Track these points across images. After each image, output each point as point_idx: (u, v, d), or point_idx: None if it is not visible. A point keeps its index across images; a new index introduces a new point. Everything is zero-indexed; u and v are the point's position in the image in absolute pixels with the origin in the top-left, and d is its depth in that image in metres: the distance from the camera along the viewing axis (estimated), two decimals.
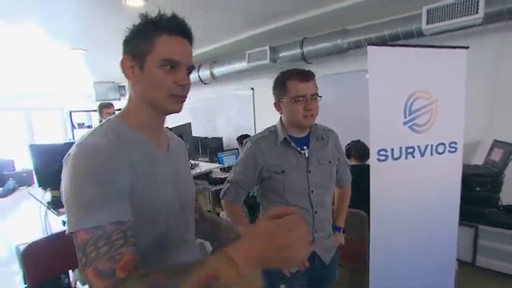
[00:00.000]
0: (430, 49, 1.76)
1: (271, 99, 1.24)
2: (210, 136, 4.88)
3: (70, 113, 5.50)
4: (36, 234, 2.00)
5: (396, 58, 1.69)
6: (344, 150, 1.75)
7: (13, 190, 6.26)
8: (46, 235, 1.88)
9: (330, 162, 1.24)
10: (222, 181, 2.78)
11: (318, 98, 1.15)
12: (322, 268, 1.26)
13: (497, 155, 2.43)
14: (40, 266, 1.62)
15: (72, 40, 3.39)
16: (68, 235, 0.57)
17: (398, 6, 2.55)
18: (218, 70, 4.29)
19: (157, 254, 0.69)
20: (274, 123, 1.25)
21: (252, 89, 4.41)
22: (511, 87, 2.41)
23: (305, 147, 1.19)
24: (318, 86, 1.18)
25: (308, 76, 1.14)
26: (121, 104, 6.43)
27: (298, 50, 3.25)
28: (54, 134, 8.07)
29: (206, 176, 3.04)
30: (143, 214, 0.64)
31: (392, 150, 1.73)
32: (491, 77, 2.51)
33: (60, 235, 1.87)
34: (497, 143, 2.48)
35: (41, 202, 2.07)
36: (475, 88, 2.56)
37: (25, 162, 7.26)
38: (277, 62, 3.51)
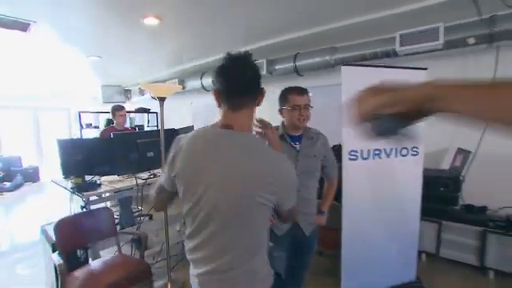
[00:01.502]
0: (394, 69, 2.15)
1: (267, 106, 1.61)
2: None
3: (79, 113, 5.84)
4: (51, 218, 2.33)
5: (365, 76, 2.07)
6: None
7: (20, 185, 6.56)
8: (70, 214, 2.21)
9: (315, 156, 1.62)
10: None
11: (310, 108, 1.58)
12: (302, 238, 1.62)
13: (458, 161, 2.81)
14: (65, 238, 1.96)
15: (89, 48, 3.76)
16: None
17: (378, 29, 2.94)
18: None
19: None
20: None
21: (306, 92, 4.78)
22: None
23: (297, 143, 1.61)
24: (309, 96, 1.60)
25: (303, 91, 1.59)
26: (127, 106, 6.79)
27: (292, 64, 3.64)
28: (60, 133, 8.42)
29: None
30: None
31: (361, 151, 2.10)
32: None
33: (81, 215, 2.23)
34: (459, 151, 2.85)
35: (65, 188, 2.42)
36: None
37: (31, 159, 7.61)
38: (273, 73, 3.90)
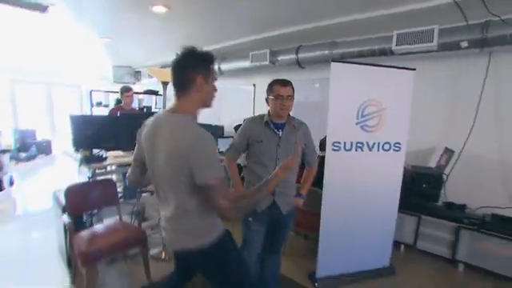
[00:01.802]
0: (382, 68, 2.27)
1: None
2: (213, 123, 5.42)
3: (91, 92, 6.08)
4: (61, 186, 2.58)
5: (353, 73, 2.21)
6: (318, 141, 2.26)
7: (34, 157, 6.94)
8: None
9: (295, 143, 1.78)
10: None
11: (292, 99, 1.73)
12: (279, 216, 1.81)
13: (444, 160, 2.94)
14: (73, 202, 2.20)
15: (101, 30, 3.94)
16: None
17: (378, 27, 3.02)
18: (226, 66, 4.81)
19: None
20: None
21: (254, 85, 4.93)
22: (463, 103, 2.89)
23: (280, 130, 1.76)
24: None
25: (287, 83, 1.73)
26: (136, 88, 7.01)
27: (294, 56, 3.76)
28: (71, 109, 8.75)
29: None
30: None
31: (345, 143, 2.25)
32: (448, 93, 2.99)
33: (87, 183, 2.48)
34: (446, 150, 2.98)
35: (75, 159, 2.67)
36: (435, 103, 3.07)
37: (45, 133, 7.97)
38: (275, 64, 4.02)
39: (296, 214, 1.97)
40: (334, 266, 2.41)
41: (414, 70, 2.30)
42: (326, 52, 3.44)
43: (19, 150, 6.71)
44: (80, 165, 2.59)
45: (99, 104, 6.37)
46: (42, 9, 2.71)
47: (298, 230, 3.08)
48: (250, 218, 1.77)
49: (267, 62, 3.96)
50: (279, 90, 1.69)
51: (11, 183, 4.22)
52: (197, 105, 1.17)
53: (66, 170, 5.96)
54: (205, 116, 5.55)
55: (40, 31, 4.09)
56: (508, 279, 2.43)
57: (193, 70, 1.11)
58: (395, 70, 2.29)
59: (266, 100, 1.79)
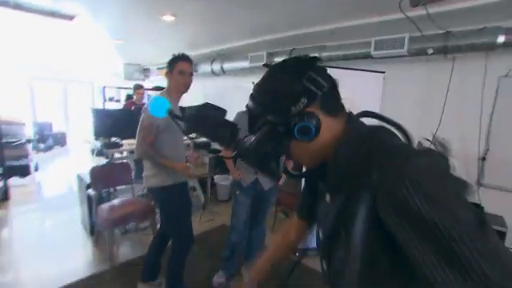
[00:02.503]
0: (356, 71, 2.67)
1: None
2: None
3: (104, 88, 6.58)
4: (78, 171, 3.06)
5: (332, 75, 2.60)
6: None
7: (51, 147, 7.51)
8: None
9: None
10: (217, 151, 3.76)
11: None
12: (261, 191, 2.24)
13: None
14: (97, 179, 2.67)
15: (115, 33, 4.40)
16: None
17: (359, 34, 3.40)
18: (227, 65, 5.23)
19: None
20: None
21: (253, 83, 5.29)
22: (435, 101, 3.25)
23: None
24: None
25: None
26: (145, 84, 7.49)
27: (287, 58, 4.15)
28: (84, 103, 9.31)
29: (207, 146, 4.05)
30: None
31: None
32: (422, 93, 3.36)
33: (107, 165, 2.95)
34: (419, 143, 3.35)
35: (95, 146, 3.14)
36: (408, 101, 3.45)
37: (60, 126, 8.54)
38: (271, 63, 4.43)
39: (278, 193, 2.40)
40: (309, 240, 2.84)
41: (384, 72, 2.69)
42: (316, 54, 3.83)
43: (38, 141, 7.28)
44: (96, 154, 3.06)
45: (111, 99, 6.87)
46: (70, 18, 3.17)
47: (282, 208, 3.50)
48: (238, 192, 2.21)
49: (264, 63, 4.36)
50: None
51: (36, 169, 4.74)
52: (171, 85, 1.89)
53: (80, 158, 6.53)
54: None
55: (58, 34, 4.55)
56: None
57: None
58: (369, 72, 2.68)
59: None
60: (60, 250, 2.75)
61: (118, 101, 7.07)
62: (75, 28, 4.00)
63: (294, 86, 0.59)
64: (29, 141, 4.87)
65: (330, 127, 0.59)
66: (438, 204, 0.45)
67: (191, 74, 1.88)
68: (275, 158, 0.62)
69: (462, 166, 3.12)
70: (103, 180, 2.67)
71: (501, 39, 2.51)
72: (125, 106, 4.31)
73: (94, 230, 2.84)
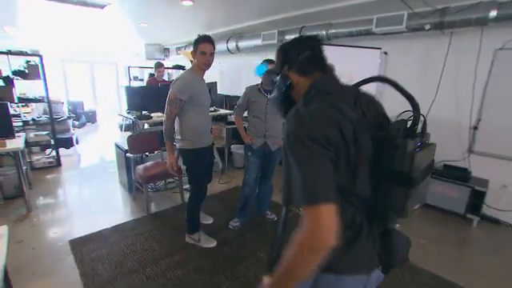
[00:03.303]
0: (355, 48, 2.95)
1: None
2: (232, 94, 6.28)
3: (129, 68, 7.10)
4: (112, 142, 3.61)
5: (330, 52, 2.91)
6: None
7: (84, 124, 8.30)
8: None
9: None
10: (233, 123, 4.20)
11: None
12: (269, 152, 2.69)
13: None
14: (133, 145, 3.21)
15: (140, 17, 4.82)
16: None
17: (363, 11, 3.60)
18: (242, 44, 5.55)
19: None
20: None
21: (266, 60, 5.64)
22: (432, 75, 3.47)
23: (268, 93, 2.57)
24: None
25: (271, 62, 2.50)
26: (166, 63, 7.96)
27: (298, 36, 4.42)
28: (109, 83, 10.00)
29: (224, 118, 4.52)
30: None
31: None
32: (421, 67, 3.58)
33: (140, 134, 3.49)
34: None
35: (129, 118, 3.69)
36: (407, 75, 3.67)
37: (90, 104, 9.31)
38: (283, 42, 4.69)
39: None
40: None
41: (380, 48, 2.96)
42: (324, 32, 4.08)
43: (73, 118, 8.06)
44: (123, 129, 3.59)
45: (136, 78, 7.41)
46: (101, 6, 3.61)
47: None
48: (250, 153, 2.66)
49: (275, 41, 4.66)
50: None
51: (77, 142, 5.44)
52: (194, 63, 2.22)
53: (109, 133, 7.25)
54: (227, 88, 6.47)
55: (88, 20, 5.00)
56: (453, 213, 3.18)
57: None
58: (366, 49, 2.96)
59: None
60: (106, 203, 3.39)
61: (141, 80, 7.60)
62: (104, 14, 4.45)
63: (282, 59, 0.93)
64: (69, 117, 5.54)
65: (302, 83, 0.89)
66: (291, 136, 0.74)
67: (212, 54, 2.15)
68: (286, 101, 0.95)
69: (455, 135, 3.40)
70: (138, 146, 3.23)
71: (493, 13, 2.69)
72: (148, 82, 4.82)
73: (132, 188, 3.44)
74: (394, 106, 1.13)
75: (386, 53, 3.81)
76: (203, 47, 2.11)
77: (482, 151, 3.24)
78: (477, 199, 3.06)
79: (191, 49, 2.25)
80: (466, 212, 3.10)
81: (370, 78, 0.90)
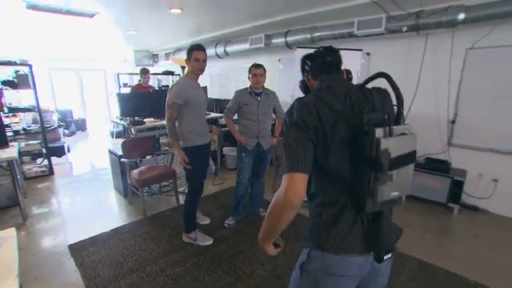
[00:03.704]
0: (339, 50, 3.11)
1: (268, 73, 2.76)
2: (222, 98, 6.40)
3: (118, 75, 7.13)
4: (104, 148, 3.67)
5: None
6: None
7: (74, 133, 8.25)
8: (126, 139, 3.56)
9: (269, 105, 2.75)
10: (225, 125, 4.31)
11: (264, 76, 2.67)
12: (262, 151, 2.81)
13: None
14: (128, 150, 3.28)
15: (129, 25, 4.89)
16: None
17: (345, 15, 3.79)
18: (230, 48, 5.67)
19: None
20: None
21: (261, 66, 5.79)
22: (412, 73, 3.68)
23: (259, 96, 2.72)
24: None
25: (259, 66, 2.67)
26: (155, 69, 8.01)
27: (283, 39, 4.59)
28: (98, 90, 9.95)
29: (215, 122, 4.62)
30: None
31: None
32: (401, 67, 3.78)
33: (134, 139, 3.57)
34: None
35: (123, 124, 3.75)
36: (394, 73, 3.87)
37: (79, 112, 9.25)
38: (270, 45, 4.86)
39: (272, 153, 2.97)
40: None
41: (361, 50, 3.14)
42: (308, 36, 4.25)
43: (63, 127, 8.00)
44: (115, 136, 3.65)
45: (125, 85, 7.43)
46: (90, 15, 3.68)
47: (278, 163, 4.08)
48: (243, 154, 2.78)
49: (262, 45, 4.81)
50: (254, 71, 2.64)
51: (68, 150, 5.44)
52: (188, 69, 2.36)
53: (100, 140, 7.25)
54: (217, 92, 6.58)
55: (76, 28, 5.04)
56: (435, 203, 3.37)
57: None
58: (346, 51, 3.12)
59: (248, 78, 2.73)
60: (102, 208, 3.43)
61: (131, 86, 7.62)
62: (93, 23, 4.51)
63: (301, 68, 1.16)
64: (60, 126, 5.53)
65: (314, 84, 1.09)
66: (285, 124, 0.93)
67: (204, 61, 2.36)
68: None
69: (435, 129, 3.61)
70: (132, 151, 3.30)
71: (461, 16, 2.91)
72: (132, 89, 4.89)
73: (127, 193, 3.50)
74: None
75: (368, 54, 4.01)
76: (197, 54, 2.30)
77: (460, 143, 3.46)
78: (456, 189, 3.26)
79: (180, 54, 2.43)
80: (447, 201, 3.30)
81: (376, 75, 1.00)
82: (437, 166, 3.40)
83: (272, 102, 2.79)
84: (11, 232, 1.39)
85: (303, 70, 1.15)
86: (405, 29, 3.29)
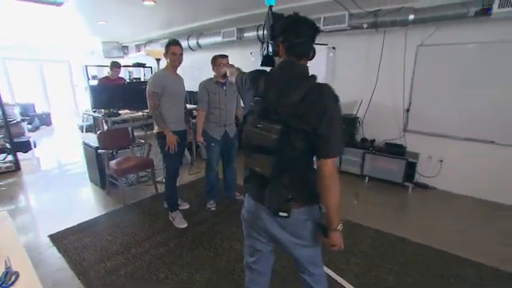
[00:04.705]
0: None
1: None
2: (195, 90, 6.43)
3: (86, 66, 6.86)
4: (74, 143, 3.66)
5: None
6: None
7: (38, 128, 7.82)
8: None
9: (234, 92, 2.90)
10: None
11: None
12: (228, 138, 2.97)
13: (362, 109, 4.17)
14: (104, 141, 3.31)
15: (99, 15, 4.77)
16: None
17: (313, 11, 4.04)
18: (203, 41, 5.73)
19: None
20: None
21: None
22: (372, 67, 4.05)
23: (224, 86, 2.85)
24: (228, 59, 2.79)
25: (224, 56, 2.79)
26: (124, 61, 7.79)
27: (255, 33, 4.76)
28: (62, 83, 9.44)
29: (189, 114, 4.71)
30: None
31: None
32: (363, 60, 4.14)
33: (111, 130, 3.59)
34: (361, 102, 4.20)
35: (98, 115, 3.73)
36: (353, 67, 4.22)
37: (42, 106, 8.74)
38: (242, 39, 5.01)
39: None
40: None
41: (326, 44, 3.41)
42: None
43: (26, 121, 7.55)
44: (85, 130, 3.65)
45: (94, 77, 7.18)
46: (58, 4, 3.58)
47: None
48: (213, 144, 2.93)
49: (235, 38, 4.95)
50: (219, 62, 2.76)
51: (35, 145, 5.23)
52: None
53: (68, 136, 7.00)
54: (190, 84, 6.58)
55: (37, 15, 4.76)
56: (393, 183, 3.79)
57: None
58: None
59: (213, 69, 2.84)
60: (79, 200, 3.44)
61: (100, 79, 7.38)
62: (59, 11, 4.35)
63: (282, 30, 1.16)
64: (23, 120, 5.28)
65: (281, 55, 1.16)
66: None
67: (181, 54, 2.59)
68: (268, 59, 1.29)
69: (393, 117, 4.02)
70: (110, 142, 3.32)
71: (411, 17, 3.28)
72: (99, 81, 4.83)
73: (105, 184, 3.52)
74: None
75: (334, 48, 4.32)
76: (174, 49, 2.52)
77: (414, 129, 3.90)
78: (410, 170, 3.70)
79: (152, 46, 2.56)
80: (403, 181, 3.73)
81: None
82: (394, 150, 3.82)
83: (236, 90, 2.96)
84: (3, 214, 1.46)
85: (282, 33, 1.12)
86: (365, 26, 3.62)
